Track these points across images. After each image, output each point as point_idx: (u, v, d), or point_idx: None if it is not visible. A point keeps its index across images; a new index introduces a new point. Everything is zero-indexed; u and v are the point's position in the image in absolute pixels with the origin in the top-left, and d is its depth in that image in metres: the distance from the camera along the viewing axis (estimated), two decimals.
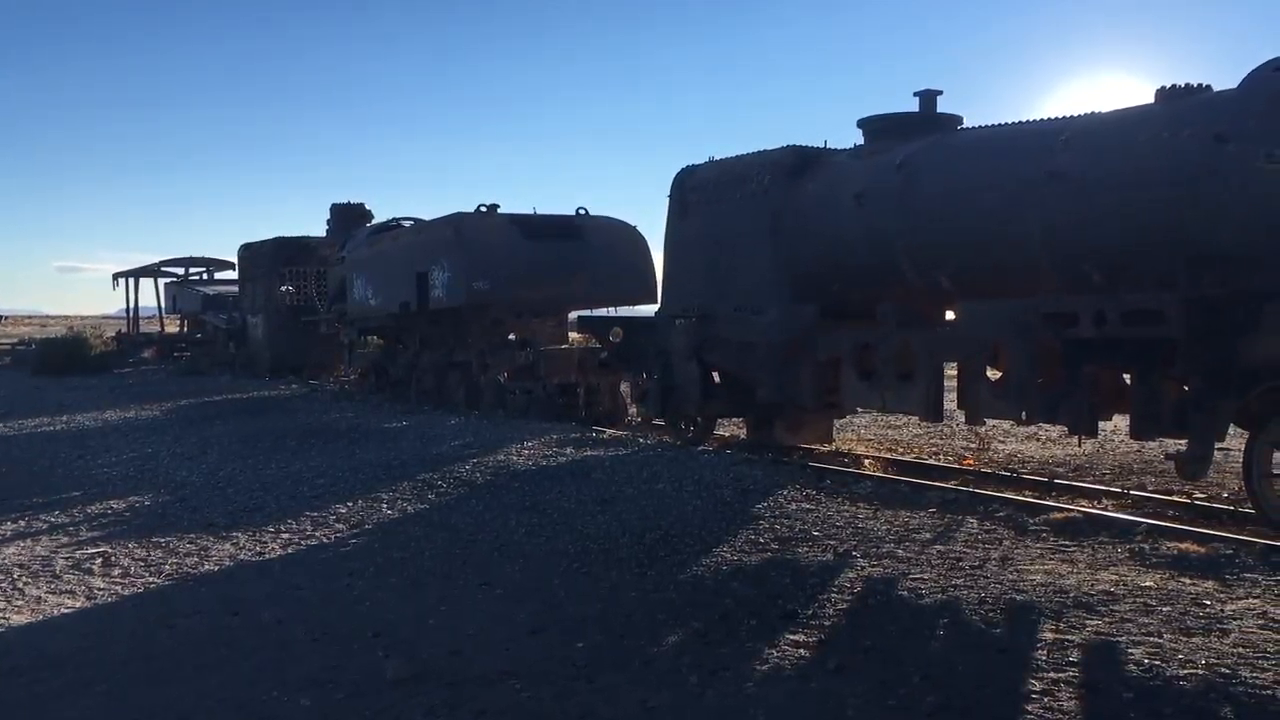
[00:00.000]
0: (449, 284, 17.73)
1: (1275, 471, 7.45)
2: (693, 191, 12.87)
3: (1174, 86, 8.44)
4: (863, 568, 6.95)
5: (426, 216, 20.68)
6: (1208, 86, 8.44)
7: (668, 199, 13.35)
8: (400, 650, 5.68)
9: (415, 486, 10.40)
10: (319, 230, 27.63)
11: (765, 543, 7.71)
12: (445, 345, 19.20)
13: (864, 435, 14.33)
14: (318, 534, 8.68)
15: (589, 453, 12.01)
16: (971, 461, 11.85)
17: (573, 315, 18.42)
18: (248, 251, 29.21)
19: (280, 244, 27.87)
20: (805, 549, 7.50)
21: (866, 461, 11.86)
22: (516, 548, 7.90)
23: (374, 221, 24.76)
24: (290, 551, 8.18)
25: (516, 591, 6.76)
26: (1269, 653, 5.11)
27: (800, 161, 11.65)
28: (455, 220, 17.92)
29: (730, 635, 5.70)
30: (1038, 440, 13.27)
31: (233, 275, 33.18)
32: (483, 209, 18.28)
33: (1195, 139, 7.72)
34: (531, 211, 18.53)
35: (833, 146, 11.91)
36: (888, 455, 12.47)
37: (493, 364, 17.83)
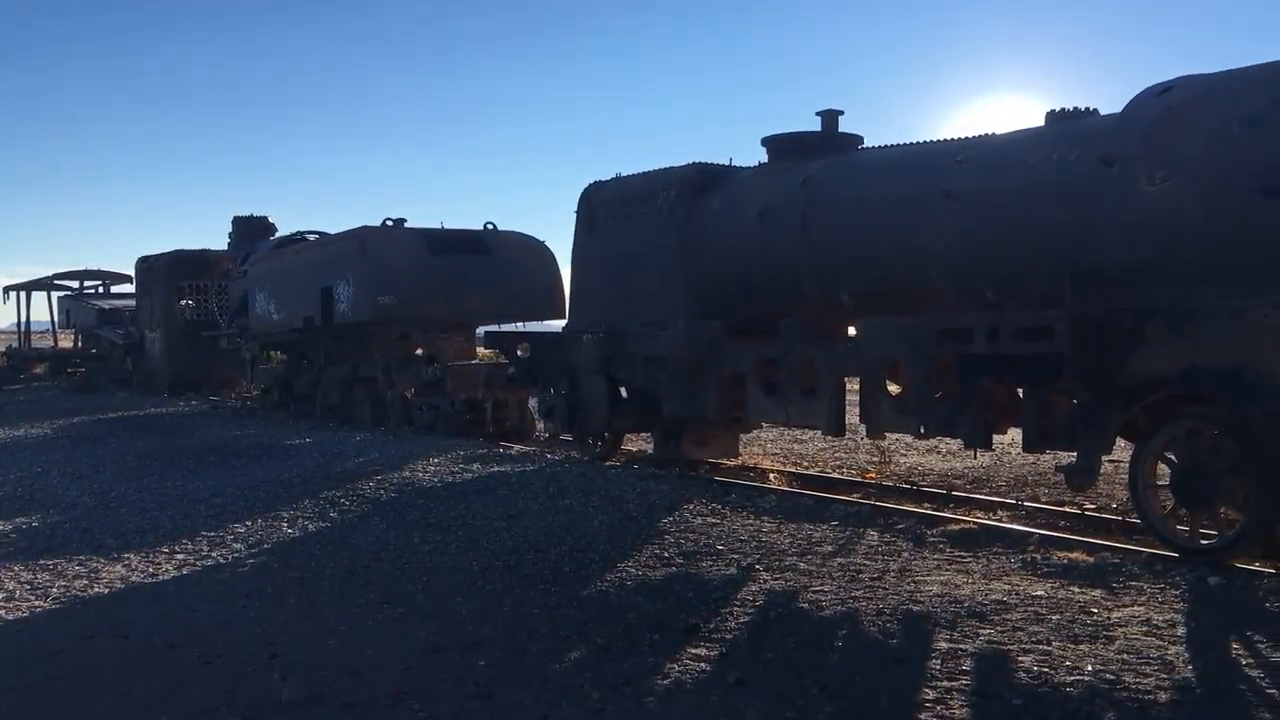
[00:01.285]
0: (354, 298, 17.53)
1: (1159, 483, 7.70)
2: (600, 207, 12.92)
3: (1063, 110, 8.74)
4: (765, 581, 7.02)
5: (331, 230, 20.45)
6: (1095, 110, 8.75)
7: (575, 214, 13.38)
8: (297, 672, 5.57)
9: (317, 504, 10.22)
10: (220, 243, 27.13)
11: (670, 557, 7.74)
12: (350, 361, 18.95)
13: (770, 449, 14.48)
14: (214, 554, 8.48)
15: (495, 469, 11.95)
16: (873, 475, 12.06)
17: (480, 330, 18.36)
18: (145, 265, 28.51)
19: (179, 257, 27.26)
20: (709, 563, 7.55)
21: (772, 475, 12.00)
22: (419, 566, 7.82)
23: (277, 235, 24.37)
24: (185, 573, 7.98)
25: (418, 610, 6.69)
26: (1151, 658, 5.29)
27: (705, 179, 11.78)
28: (360, 234, 17.74)
29: (632, 650, 5.71)
30: (938, 453, 13.55)
31: (130, 289, 32.33)
32: (389, 223, 18.15)
33: (1082, 161, 7.99)
34: (439, 226, 18.45)
35: (737, 164, 12.08)
36: (793, 469, 12.63)
37: (399, 380, 17.65)
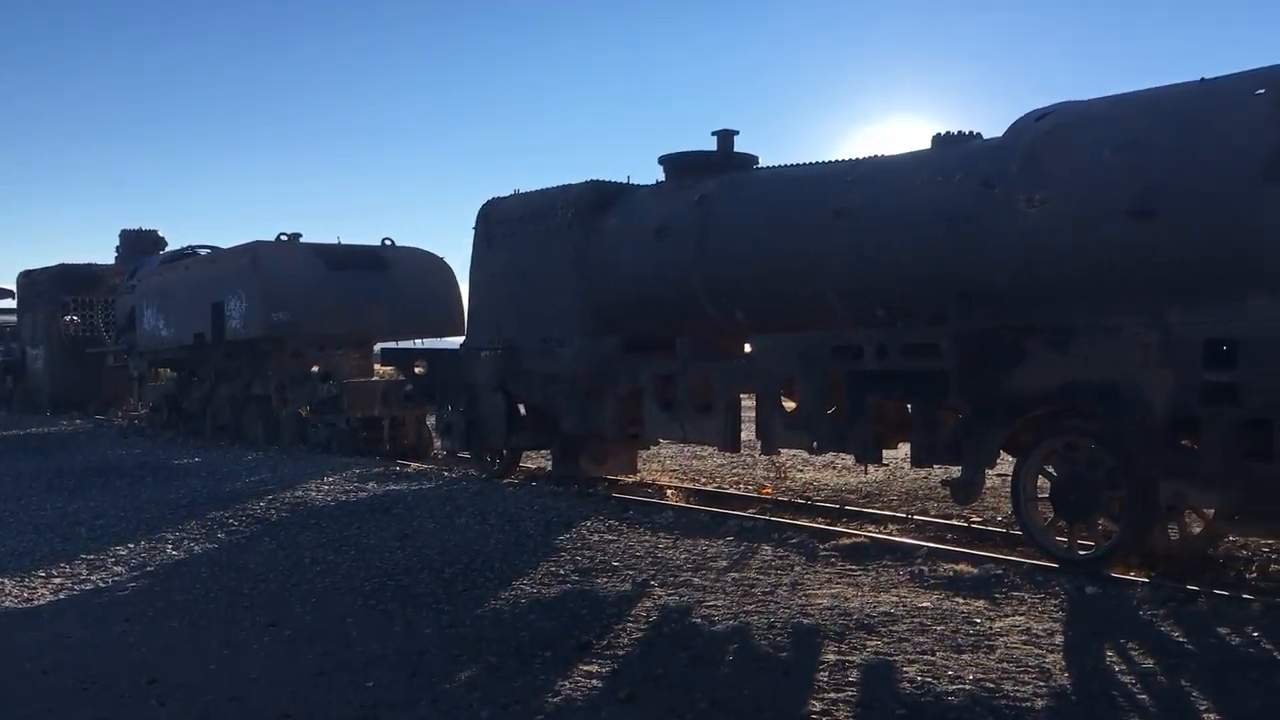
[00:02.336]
0: (246, 314, 17.18)
1: (1040, 495, 7.94)
2: (497, 224, 12.89)
3: (948, 133, 8.99)
4: (659, 597, 7.05)
5: (225, 245, 20.02)
6: (978, 134, 9.02)
7: (473, 231, 13.33)
8: (176, 698, 5.41)
9: (204, 525, 9.96)
10: (107, 258, 26.38)
11: (565, 574, 7.72)
12: (242, 378, 18.54)
13: (669, 465, 14.55)
14: (93, 578, 8.20)
15: (391, 487, 11.81)
16: (770, 490, 12.20)
17: (378, 347, 18.14)
18: (28, 279, 27.60)
19: (64, 271, 26.48)
20: (604, 580, 7.55)
21: (669, 492, 12.06)
22: (309, 587, 7.67)
23: (167, 249, 23.78)
24: (62, 597, 7.70)
25: (306, 632, 6.55)
26: (1030, 666, 5.44)
27: (602, 196, 11.83)
28: (252, 249, 17.41)
29: (524, 668, 5.68)
30: (834, 469, 13.76)
31: (10, 304, 31.19)
32: (283, 237, 17.86)
33: (965, 183, 8.23)
34: (335, 241, 18.23)
35: (635, 182, 12.16)
36: (690, 485, 12.71)
37: (293, 397, 17.32)
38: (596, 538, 8.90)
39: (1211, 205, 6.80)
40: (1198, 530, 8.08)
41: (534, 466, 14.10)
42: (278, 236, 17.82)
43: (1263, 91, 6.82)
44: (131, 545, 9.27)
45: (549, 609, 6.83)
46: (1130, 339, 7.15)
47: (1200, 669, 5.42)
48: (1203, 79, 7.31)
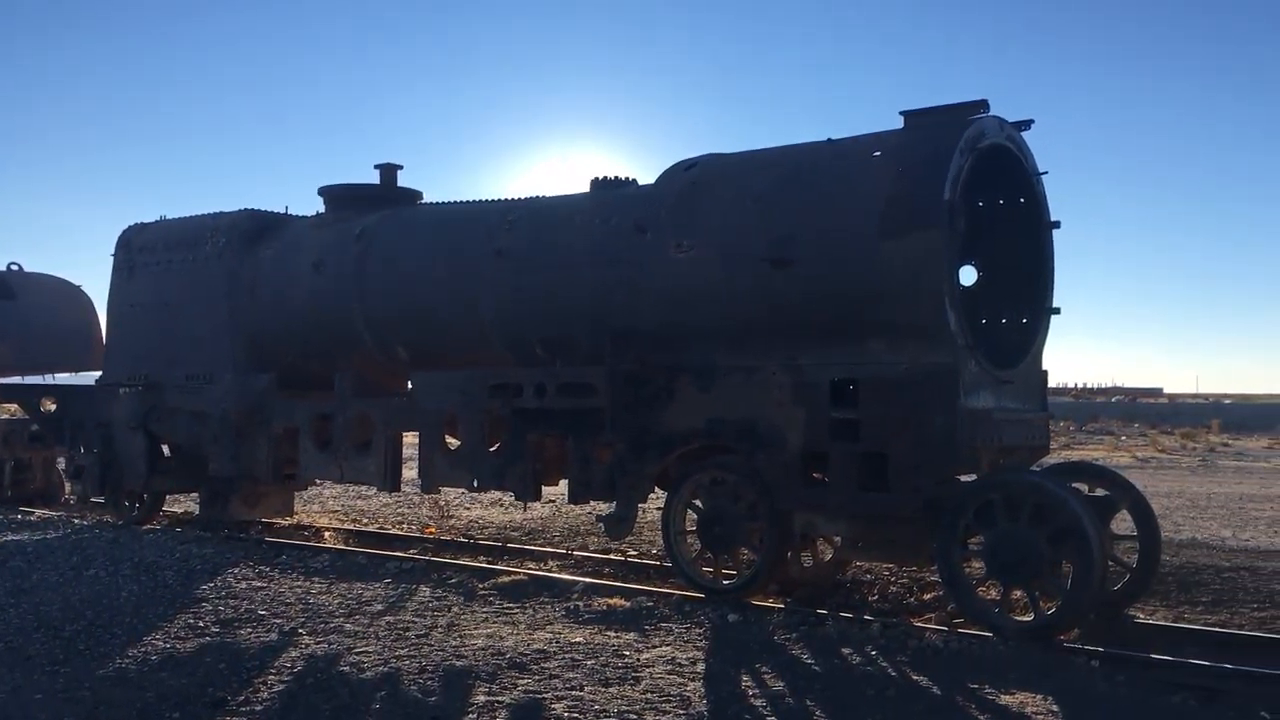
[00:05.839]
0: None
1: (688, 529, 8.27)
2: (141, 252, 12.07)
3: (605, 178, 9.27)
4: (307, 645, 6.74)
5: None
6: (633, 180, 9.36)
7: (112, 258, 12.41)
8: None
9: None
10: None
11: (205, 627, 7.24)
12: None
13: (330, 506, 14.06)
14: None
15: (10, 537, 10.74)
16: (433, 530, 12.03)
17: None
18: None
19: None
20: (249, 630, 7.14)
21: (327, 534, 11.64)
22: None
23: None
24: None
25: None
26: (672, 695, 5.62)
27: (258, 226, 11.36)
28: None
29: None
30: (500, 506, 13.78)
31: None
32: None
33: (620, 227, 8.51)
34: None
35: (294, 212, 11.74)
36: (351, 526, 12.32)
37: None
38: (244, 586, 8.43)
39: (836, 256, 7.38)
40: (829, 558, 8.67)
41: (180, 511, 13.23)
42: None
43: (879, 154, 7.49)
44: None
45: (183, 665, 6.36)
46: (767, 379, 7.61)
47: (824, 688, 5.80)
48: (830, 139, 7.95)
